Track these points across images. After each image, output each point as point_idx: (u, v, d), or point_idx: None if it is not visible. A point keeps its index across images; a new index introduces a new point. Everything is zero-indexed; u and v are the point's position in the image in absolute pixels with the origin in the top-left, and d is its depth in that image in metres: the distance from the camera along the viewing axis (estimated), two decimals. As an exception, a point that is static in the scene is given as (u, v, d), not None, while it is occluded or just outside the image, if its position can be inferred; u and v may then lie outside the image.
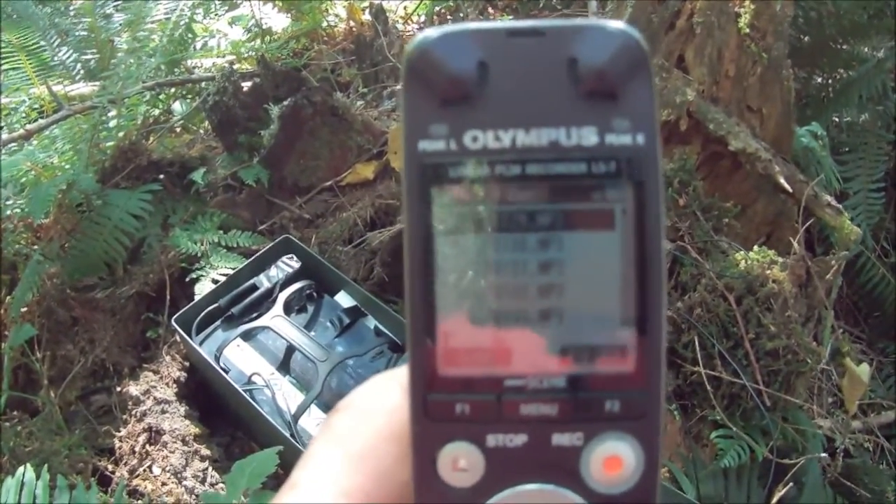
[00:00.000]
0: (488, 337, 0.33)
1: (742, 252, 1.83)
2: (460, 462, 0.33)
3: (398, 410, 0.34)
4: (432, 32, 0.32)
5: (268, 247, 1.82)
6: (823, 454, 1.80)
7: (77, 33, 2.64)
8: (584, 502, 0.33)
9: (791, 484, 1.70)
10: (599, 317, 0.32)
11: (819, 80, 2.51)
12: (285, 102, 1.91)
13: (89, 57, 2.60)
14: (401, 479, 0.34)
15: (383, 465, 0.34)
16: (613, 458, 0.33)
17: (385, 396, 0.35)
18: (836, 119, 2.48)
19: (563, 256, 0.32)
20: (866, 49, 2.47)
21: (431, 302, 0.32)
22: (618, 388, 0.32)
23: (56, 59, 2.54)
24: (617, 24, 0.32)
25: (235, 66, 2.39)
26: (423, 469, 0.33)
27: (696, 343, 1.73)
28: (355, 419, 0.36)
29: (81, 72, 2.58)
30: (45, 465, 1.48)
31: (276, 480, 1.35)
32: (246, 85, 2.15)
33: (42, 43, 2.52)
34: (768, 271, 1.79)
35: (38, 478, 1.44)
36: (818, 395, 1.98)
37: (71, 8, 2.76)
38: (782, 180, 1.86)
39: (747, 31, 1.89)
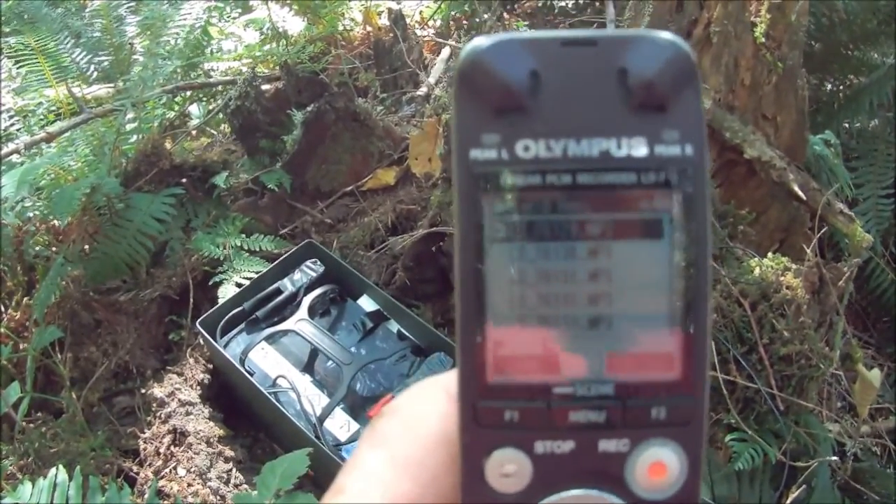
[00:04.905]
0: (538, 344, 0.33)
1: (756, 259, 1.85)
2: (508, 468, 0.33)
3: (445, 417, 0.34)
4: (484, 41, 0.32)
5: (291, 251, 1.84)
6: (834, 458, 1.83)
7: (90, 35, 2.65)
8: None
9: (803, 486, 1.73)
10: (647, 324, 0.33)
11: (830, 86, 2.53)
12: (309, 108, 1.93)
13: (103, 59, 2.61)
14: (447, 485, 0.34)
15: (430, 471, 0.34)
16: (658, 464, 0.33)
17: (431, 402, 0.35)
18: (847, 125, 2.50)
19: (612, 265, 0.33)
20: (877, 55, 2.49)
21: (482, 309, 0.33)
22: (664, 395, 0.33)
23: (70, 60, 2.55)
24: (667, 36, 0.32)
25: (255, 69, 2.40)
26: (471, 475, 0.33)
27: (712, 348, 1.76)
28: (402, 425, 0.35)
29: (95, 74, 2.58)
30: (78, 468, 1.49)
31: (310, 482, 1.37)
32: (265, 88, 2.16)
33: (55, 44, 2.52)
34: (782, 278, 1.82)
35: (70, 478, 1.46)
36: (828, 400, 2.01)
37: (86, 10, 2.77)
38: (796, 188, 1.89)
39: (763, 40, 1.91)
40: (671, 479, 0.33)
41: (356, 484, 0.34)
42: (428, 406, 0.36)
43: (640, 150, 0.32)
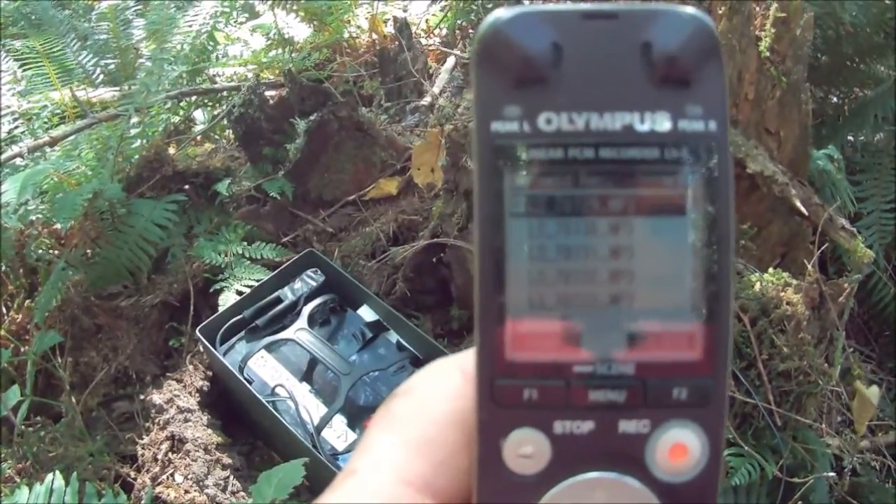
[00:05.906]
0: (557, 322, 0.32)
1: (757, 274, 1.85)
2: (527, 449, 0.32)
3: (460, 396, 0.34)
4: (504, 13, 0.32)
5: (292, 260, 1.85)
6: (831, 473, 1.83)
7: (97, 37, 2.65)
8: (648, 490, 0.33)
9: (800, 503, 1.72)
10: (668, 303, 0.32)
11: (835, 99, 2.52)
12: (312, 117, 1.93)
13: (109, 62, 2.62)
14: (462, 465, 0.33)
15: (444, 451, 0.33)
16: (679, 446, 0.32)
17: (446, 382, 0.35)
18: (851, 139, 2.50)
19: (634, 242, 0.32)
20: (882, 69, 2.48)
21: (500, 286, 0.32)
22: (685, 376, 0.32)
23: (76, 63, 2.55)
24: (690, 10, 0.32)
25: (259, 76, 2.40)
26: (488, 456, 0.32)
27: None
28: (415, 405, 0.35)
29: (101, 77, 2.59)
30: (75, 473, 1.50)
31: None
32: (269, 94, 2.17)
33: (62, 47, 2.53)
34: (782, 293, 1.82)
35: (66, 484, 1.47)
36: (827, 414, 2.00)
37: (93, 13, 2.77)
38: (798, 204, 1.88)
39: (767, 54, 1.91)
40: (692, 462, 0.32)
41: (368, 466, 0.34)
42: (442, 385, 0.35)
43: (663, 124, 0.32)
